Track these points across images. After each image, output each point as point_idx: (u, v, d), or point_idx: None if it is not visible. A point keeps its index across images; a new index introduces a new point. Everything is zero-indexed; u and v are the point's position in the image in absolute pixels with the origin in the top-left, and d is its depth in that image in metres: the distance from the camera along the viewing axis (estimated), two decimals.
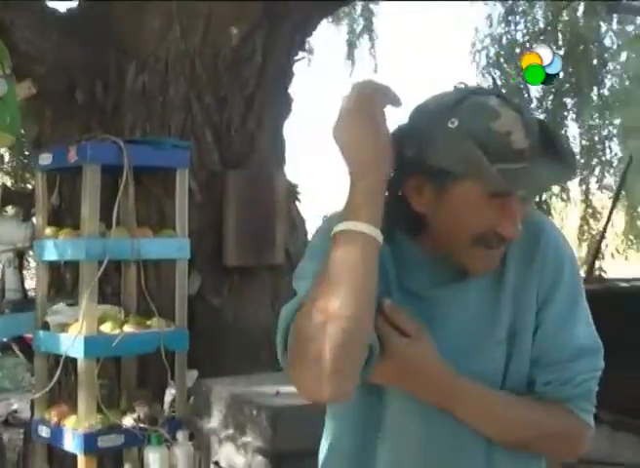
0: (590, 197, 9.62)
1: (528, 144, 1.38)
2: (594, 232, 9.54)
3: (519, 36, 9.09)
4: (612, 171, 9.78)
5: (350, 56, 9.83)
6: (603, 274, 7.87)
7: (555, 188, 9.36)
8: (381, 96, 1.41)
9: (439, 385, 1.45)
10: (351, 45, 9.74)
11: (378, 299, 1.41)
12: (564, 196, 9.58)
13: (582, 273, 8.62)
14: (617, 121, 9.43)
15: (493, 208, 1.41)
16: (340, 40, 9.78)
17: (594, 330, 1.53)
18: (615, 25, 9.28)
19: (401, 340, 1.43)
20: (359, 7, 9.47)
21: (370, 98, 1.40)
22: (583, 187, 9.55)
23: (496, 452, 1.50)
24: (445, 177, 1.40)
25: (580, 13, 8.88)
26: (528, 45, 8.85)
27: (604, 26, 9.24)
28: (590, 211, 9.61)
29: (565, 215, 9.92)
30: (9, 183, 7.04)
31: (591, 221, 9.69)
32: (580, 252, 9.71)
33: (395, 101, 1.42)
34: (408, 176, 1.44)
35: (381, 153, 1.39)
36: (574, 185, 9.55)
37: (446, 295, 1.52)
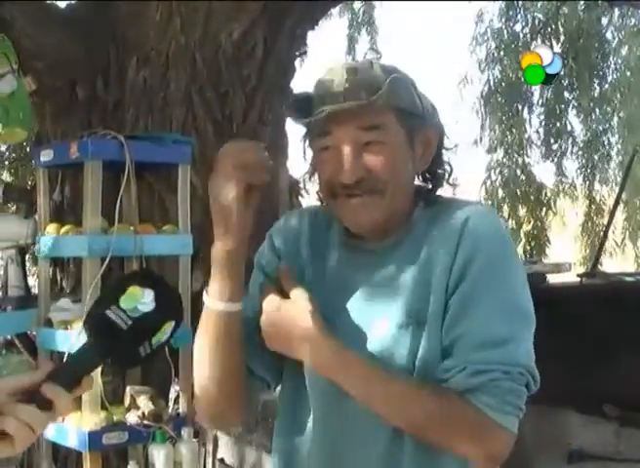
0: (594, 193, 9.59)
1: (348, 86, 1.45)
2: (598, 229, 9.51)
3: (518, 29, 9.06)
4: (612, 165, 9.76)
5: (351, 50, 9.80)
6: (600, 268, 7.84)
7: (553, 180, 9.33)
8: (242, 161, 1.43)
9: (318, 350, 1.45)
10: (352, 39, 9.72)
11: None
12: (571, 193, 9.55)
13: (583, 269, 8.63)
14: (621, 114, 9.41)
15: (331, 157, 1.49)
16: (341, 34, 9.77)
17: (517, 323, 1.44)
18: (615, 19, 9.26)
19: (273, 302, 1.50)
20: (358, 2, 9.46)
21: (229, 165, 1.44)
22: (587, 183, 9.51)
23: (403, 443, 1.48)
24: (306, 136, 1.56)
25: (580, 6, 8.85)
26: (529, 38, 8.83)
27: (605, 20, 9.21)
28: (594, 207, 9.58)
29: (575, 213, 9.88)
30: (9, 180, 7.02)
31: (595, 218, 9.67)
32: (586, 250, 9.69)
33: (257, 164, 1.45)
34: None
35: (230, 223, 1.47)
36: (577, 182, 9.53)
37: (360, 272, 1.54)
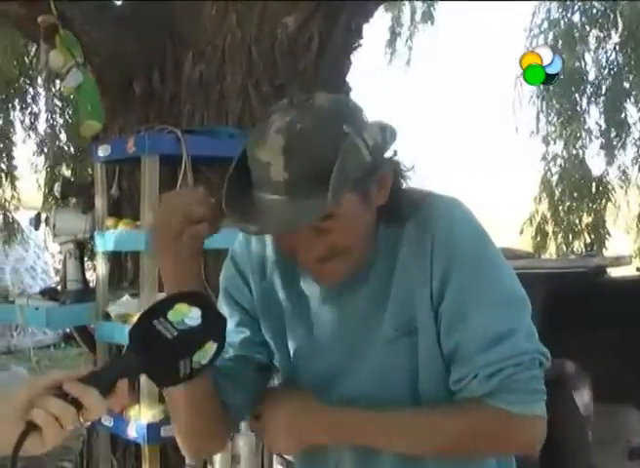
0: None
1: (286, 177, 1.31)
2: None
3: (576, 19, 8.92)
4: None
5: (392, 44, 9.70)
6: None
7: (614, 172, 9.21)
8: (190, 215, 1.41)
9: (324, 426, 1.46)
10: (393, 34, 9.63)
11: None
12: (624, 181, 9.40)
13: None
14: None
15: (282, 239, 1.45)
16: (383, 27, 9.67)
17: (512, 312, 1.42)
18: None
19: (274, 412, 1.50)
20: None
21: (176, 220, 1.42)
22: None
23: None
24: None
25: None
26: (587, 28, 8.69)
27: None
28: None
29: (626, 202, 9.72)
30: (69, 175, 7.11)
31: None
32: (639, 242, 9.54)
33: (207, 217, 1.42)
34: None
35: (183, 279, 1.44)
36: (633, 171, 9.38)
37: (336, 299, 1.51)
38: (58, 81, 6.23)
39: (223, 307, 1.60)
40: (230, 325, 1.55)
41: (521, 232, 9.29)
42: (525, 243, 9.30)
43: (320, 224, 1.37)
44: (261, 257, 1.59)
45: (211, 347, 1.28)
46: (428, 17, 9.54)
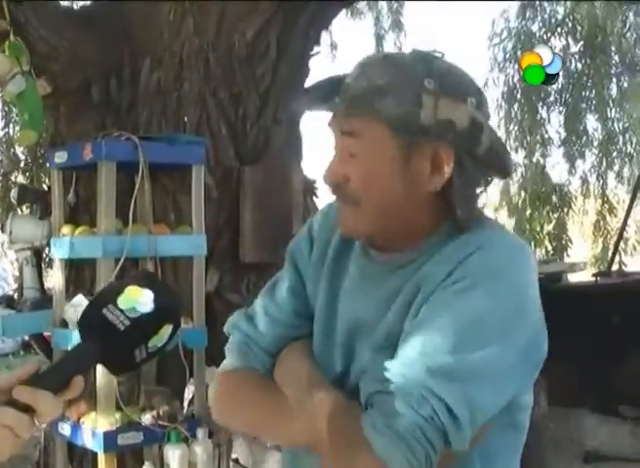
0: (607, 192, 9.54)
1: (348, 84, 1.36)
2: (610, 227, 9.48)
3: (536, 29, 9.02)
4: (629, 164, 9.70)
5: (379, 49, 9.76)
6: (624, 268, 7.81)
7: (576, 183, 9.32)
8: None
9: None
10: (379, 39, 9.70)
11: None
12: (584, 191, 9.52)
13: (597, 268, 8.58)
14: (637, 113, 9.35)
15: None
16: (367, 35, 9.75)
17: (459, 352, 1.25)
18: (632, 18, 9.19)
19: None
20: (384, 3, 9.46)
21: None
22: (600, 182, 9.47)
23: None
24: None
25: (598, 4, 8.80)
26: (545, 37, 8.79)
27: (622, 18, 9.16)
28: (607, 206, 9.53)
29: (584, 211, 9.84)
30: (25, 182, 7.04)
31: (608, 217, 9.62)
32: (596, 248, 9.65)
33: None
34: None
35: None
36: (592, 179, 9.50)
37: (367, 283, 1.47)
38: None
39: (286, 278, 1.58)
40: (284, 290, 1.55)
41: None
42: None
43: (347, 141, 1.37)
44: (330, 233, 1.55)
45: (167, 330, 1.23)
46: (397, 24, 9.62)
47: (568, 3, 8.87)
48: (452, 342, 1.25)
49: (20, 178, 7.25)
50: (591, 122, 9.33)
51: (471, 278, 1.30)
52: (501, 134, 9.20)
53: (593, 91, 9.06)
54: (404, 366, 1.26)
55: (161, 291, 1.24)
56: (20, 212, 3.93)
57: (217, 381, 1.64)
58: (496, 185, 9.21)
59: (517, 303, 1.33)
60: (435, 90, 1.33)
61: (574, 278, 5.71)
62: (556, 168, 9.32)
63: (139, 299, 1.20)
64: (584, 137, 9.26)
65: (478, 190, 1.43)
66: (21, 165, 7.34)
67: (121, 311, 1.19)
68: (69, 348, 3.46)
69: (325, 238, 1.56)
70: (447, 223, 1.41)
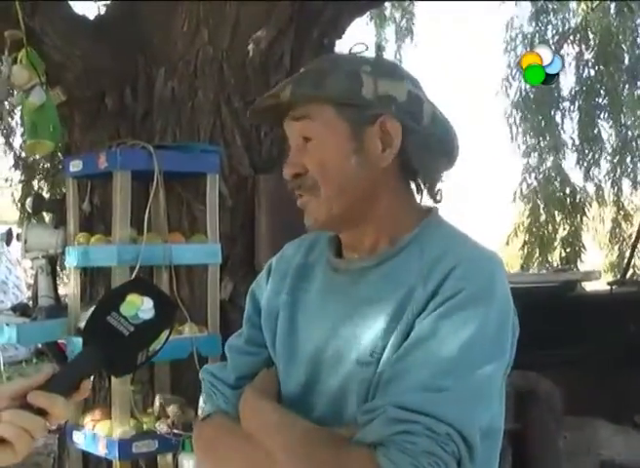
0: (622, 199, 9.51)
1: (294, 77, 1.46)
2: (626, 234, 9.45)
3: (549, 35, 9.00)
4: None
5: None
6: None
7: (589, 189, 9.28)
8: None
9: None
10: (380, 48, 9.69)
11: None
12: (598, 197, 9.48)
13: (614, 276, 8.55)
14: None
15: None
16: (369, 41, 9.74)
17: (469, 381, 1.24)
18: None
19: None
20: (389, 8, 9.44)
21: None
22: (615, 188, 9.44)
23: None
24: None
25: (612, 11, 8.78)
26: (559, 44, 8.77)
27: (634, 25, 9.14)
28: (622, 213, 9.50)
29: (600, 218, 9.80)
30: (45, 190, 7.08)
31: (623, 224, 9.59)
32: (612, 255, 9.62)
33: None
34: None
35: None
36: (606, 186, 9.47)
37: (333, 294, 1.46)
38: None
39: (247, 311, 1.63)
40: (245, 322, 1.61)
41: (507, 243, 9.36)
42: (512, 254, 9.36)
43: (300, 127, 1.43)
44: (290, 261, 1.59)
45: (165, 334, 1.32)
46: (409, 32, 9.62)
47: (581, 10, 8.86)
48: (454, 367, 1.26)
49: (39, 186, 7.29)
50: (605, 128, 9.31)
51: (459, 298, 1.30)
52: (515, 138, 9.20)
53: (606, 98, 9.04)
54: (416, 399, 1.23)
55: (159, 297, 1.32)
56: (35, 220, 3.93)
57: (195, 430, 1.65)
58: (509, 190, 9.22)
59: (503, 318, 1.35)
60: (373, 72, 1.41)
61: (588, 286, 5.68)
62: (569, 174, 9.31)
63: (140, 307, 1.29)
64: (599, 144, 9.24)
65: (436, 166, 1.46)
66: (40, 174, 7.38)
67: (124, 318, 1.28)
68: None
69: (283, 268, 1.58)
70: (414, 229, 1.43)
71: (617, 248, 9.57)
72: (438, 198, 1.49)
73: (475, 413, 1.25)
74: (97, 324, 1.29)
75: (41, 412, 1.19)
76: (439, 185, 1.49)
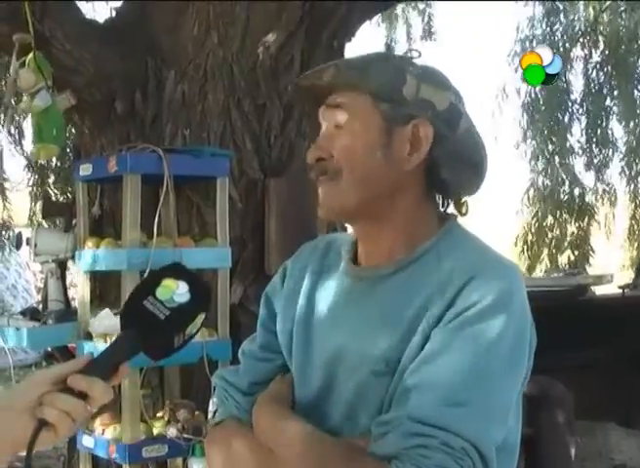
0: (638, 199, 9.47)
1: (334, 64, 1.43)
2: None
3: (558, 37, 8.97)
4: None
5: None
6: None
7: (600, 191, 9.25)
8: None
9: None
10: (389, 48, 9.69)
11: None
12: (611, 199, 9.44)
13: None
14: None
15: None
16: (379, 42, 9.74)
17: (486, 394, 1.24)
18: None
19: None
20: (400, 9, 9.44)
21: None
22: (632, 187, 9.39)
23: None
24: None
25: (621, 13, 8.76)
26: (567, 46, 8.75)
27: None
28: (639, 212, 9.47)
29: (611, 219, 9.76)
30: (57, 194, 7.07)
31: (635, 226, 9.56)
32: (632, 252, 9.59)
33: None
34: None
35: None
36: (620, 187, 9.44)
37: (351, 302, 1.45)
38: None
39: (261, 314, 1.62)
40: (259, 327, 1.60)
41: (515, 245, 9.34)
42: (519, 256, 9.34)
43: (333, 114, 1.42)
44: (305, 264, 1.57)
45: (200, 318, 1.33)
46: (428, 33, 9.61)
47: (590, 12, 8.84)
48: (470, 381, 1.24)
49: (50, 190, 7.29)
50: (615, 130, 9.28)
51: (476, 310, 1.28)
52: (524, 140, 9.17)
53: (614, 100, 9.02)
54: (433, 413, 1.21)
55: (194, 281, 1.33)
56: (44, 224, 3.93)
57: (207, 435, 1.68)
58: (517, 196, 9.19)
59: (520, 331, 1.33)
60: (419, 75, 1.42)
61: (599, 290, 5.66)
62: (579, 176, 9.27)
63: (175, 291, 1.30)
64: (608, 145, 9.21)
65: (463, 178, 1.44)
66: (54, 175, 7.38)
67: (160, 302, 1.29)
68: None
69: (298, 272, 1.57)
70: (432, 236, 1.41)
71: (636, 244, 9.53)
72: (463, 211, 1.48)
73: (491, 428, 1.24)
74: (133, 308, 1.31)
75: (81, 396, 1.22)
76: (465, 198, 1.49)
